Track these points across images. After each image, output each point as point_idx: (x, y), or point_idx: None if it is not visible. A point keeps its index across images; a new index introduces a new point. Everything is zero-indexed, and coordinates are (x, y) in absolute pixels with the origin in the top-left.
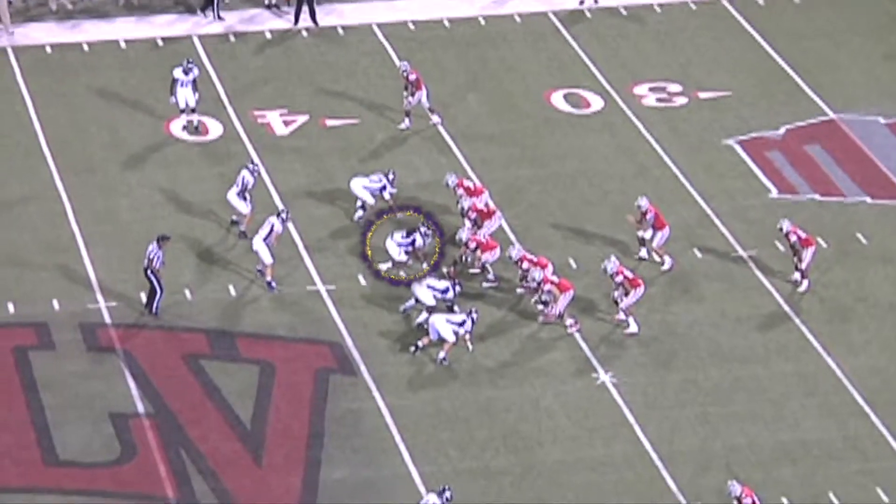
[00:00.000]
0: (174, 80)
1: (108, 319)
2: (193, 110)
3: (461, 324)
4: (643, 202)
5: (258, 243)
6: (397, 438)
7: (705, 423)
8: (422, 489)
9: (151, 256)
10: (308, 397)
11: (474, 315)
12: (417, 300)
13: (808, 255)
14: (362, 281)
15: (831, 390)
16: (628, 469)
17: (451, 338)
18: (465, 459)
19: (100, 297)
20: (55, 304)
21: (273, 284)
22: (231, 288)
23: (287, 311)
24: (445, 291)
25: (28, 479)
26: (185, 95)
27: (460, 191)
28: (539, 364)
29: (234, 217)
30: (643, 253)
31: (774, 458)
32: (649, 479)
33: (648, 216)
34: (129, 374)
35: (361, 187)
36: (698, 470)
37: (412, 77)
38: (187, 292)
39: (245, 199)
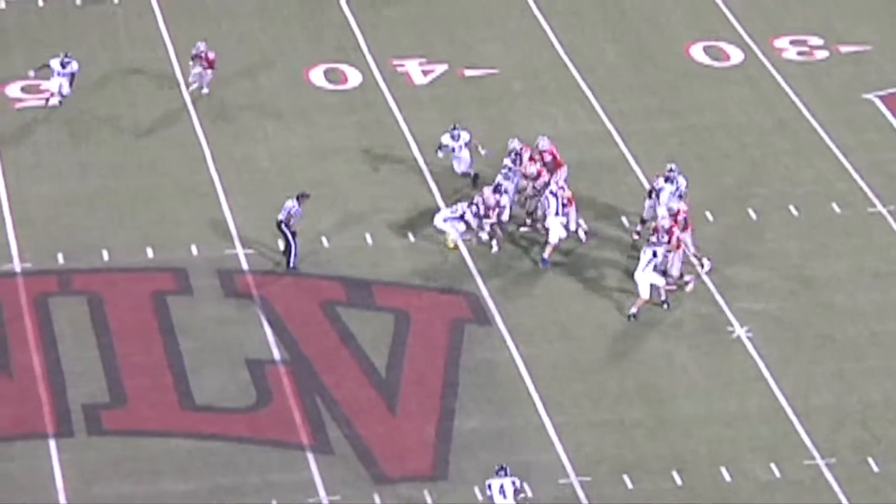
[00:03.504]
0: (48, 66)
1: (245, 266)
2: (64, 96)
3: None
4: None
5: (552, 222)
6: (531, 389)
7: (841, 378)
8: (555, 439)
9: (291, 212)
10: (443, 346)
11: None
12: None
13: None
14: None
15: None
16: (762, 424)
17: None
18: (599, 411)
19: (237, 243)
20: (193, 249)
21: (546, 258)
22: (367, 236)
23: (422, 260)
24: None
25: (165, 423)
26: (62, 83)
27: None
28: (673, 317)
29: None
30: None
31: None
32: (784, 434)
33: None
34: (266, 321)
35: (443, 220)
36: (834, 425)
37: (210, 56)
38: (324, 240)
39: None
